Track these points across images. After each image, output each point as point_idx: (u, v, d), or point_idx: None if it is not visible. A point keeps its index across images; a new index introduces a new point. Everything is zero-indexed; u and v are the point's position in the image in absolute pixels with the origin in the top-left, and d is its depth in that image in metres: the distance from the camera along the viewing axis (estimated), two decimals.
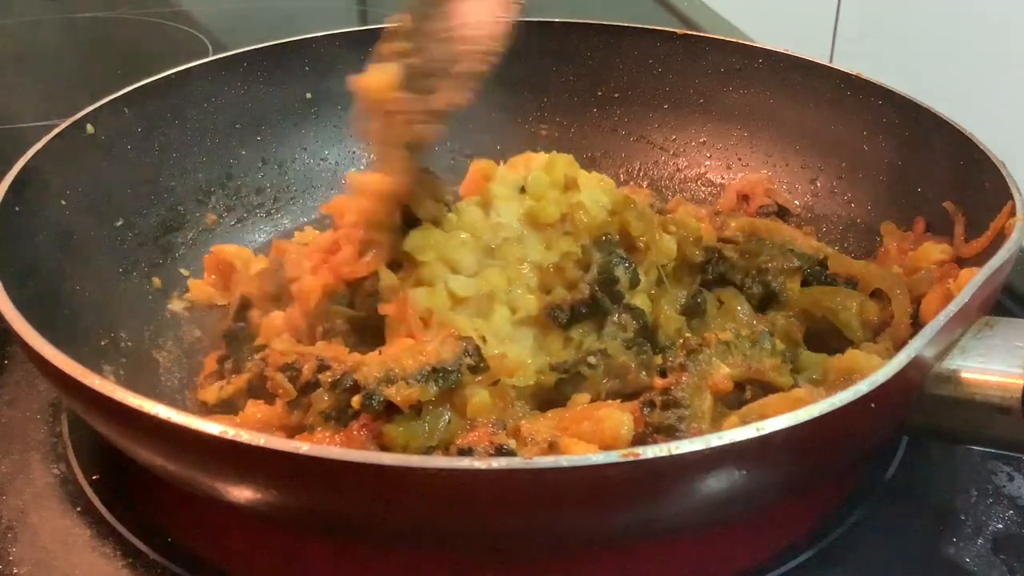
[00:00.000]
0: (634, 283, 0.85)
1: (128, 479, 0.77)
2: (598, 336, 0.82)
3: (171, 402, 0.84)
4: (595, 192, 0.90)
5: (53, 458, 0.79)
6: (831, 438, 0.59)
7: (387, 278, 0.87)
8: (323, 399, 0.74)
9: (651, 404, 0.72)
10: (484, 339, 0.79)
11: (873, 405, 0.58)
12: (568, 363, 0.80)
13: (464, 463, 0.52)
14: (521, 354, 0.80)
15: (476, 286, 0.84)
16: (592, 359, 0.79)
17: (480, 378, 0.75)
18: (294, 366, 0.77)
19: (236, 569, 0.70)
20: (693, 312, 0.88)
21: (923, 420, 0.66)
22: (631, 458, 0.52)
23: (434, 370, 0.72)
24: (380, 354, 0.79)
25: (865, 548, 0.71)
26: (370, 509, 0.57)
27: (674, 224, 0.94)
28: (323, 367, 0.75)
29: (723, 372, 0.75)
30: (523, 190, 0.90)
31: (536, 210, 0.87)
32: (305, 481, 0.56)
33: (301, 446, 0.53)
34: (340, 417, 0.73)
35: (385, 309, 0.85)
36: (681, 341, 0.78)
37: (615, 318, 0.82)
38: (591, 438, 0.71)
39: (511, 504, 0.54)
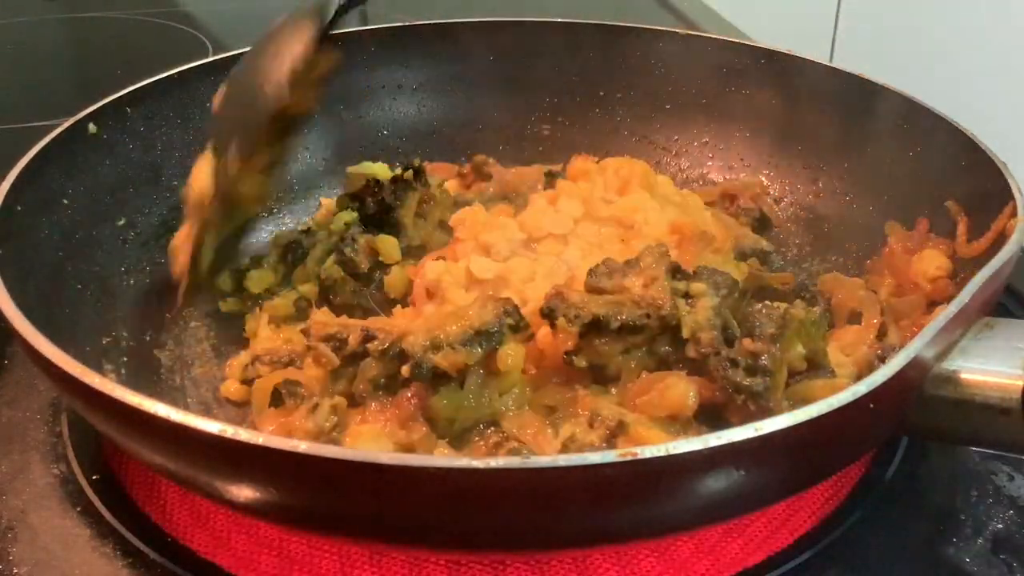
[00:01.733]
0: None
1: (128, 479, 0.77)
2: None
3: (172, 401, 0.85)
4: (666, 205, 0.92)
5: (53, 458, 0.79)
6: (830, 438, 0.59)
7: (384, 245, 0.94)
8: (371, 367, 0.77)
9: (733, 363, 0.73)
10: None
11: (872, 405, 0.57)
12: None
13: (463, 462, 0.52)
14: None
15: (497, 270, 0.85)
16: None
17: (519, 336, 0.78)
18: (338, 336, 0.80)
19: (236, 569, 0.70)
20: None
21: (923, 420, 0.66)
22: (629, 457, 0.52)
23: (477, 333, 0.75)
24: (422, 320, 0.82)
25: (865, 548, 0.71)
26: (369, 508, 0.56)
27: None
28: (369, 337, 0.78)
29: (799, 351, 0.77)
30: None
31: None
32: (304, 480, 0.56)
33: (300, 445, 0.53)
34: (390, 385, 0.77)
35: (455, 221, 0.95)
36: (783, 311, 0.77)
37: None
38: (657, 409, 0.73)
39: (509, 503, 0.54)
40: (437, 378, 0.75)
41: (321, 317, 0.87)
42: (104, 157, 0.95)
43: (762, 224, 1.09)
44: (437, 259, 0.94)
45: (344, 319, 0.86)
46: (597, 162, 1.06)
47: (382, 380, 0.77)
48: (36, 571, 0.69)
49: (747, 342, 0.74)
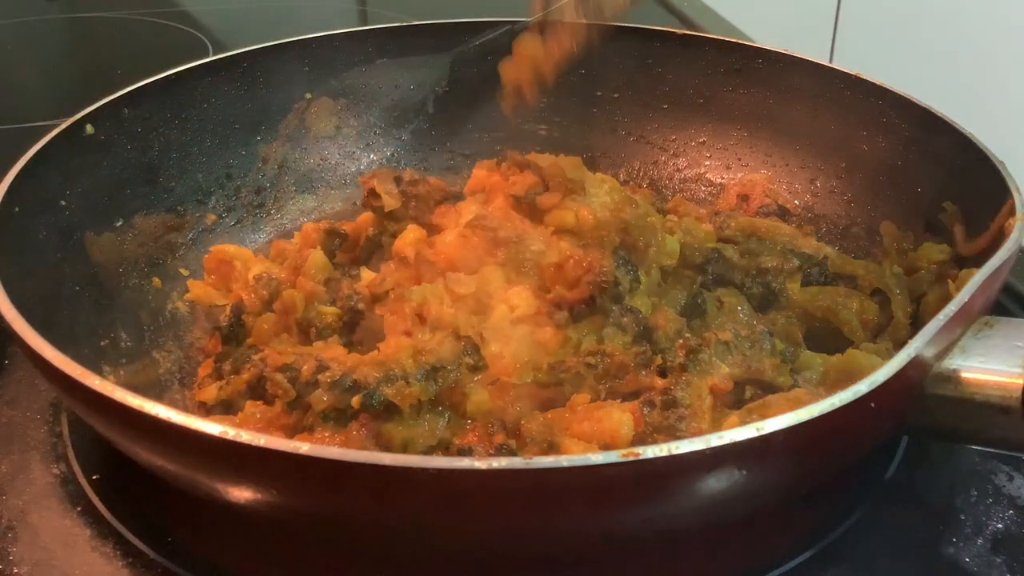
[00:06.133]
0: (634, 285, 0.84)
1: (128, 479, 0.77)
2: (597, 337, 0.82)
3: (171, 402, 0.85)
4: (599, 193, 0.90)
5: (53, 458, 0.79)
6: (831, 438, 0.59)
7: (365, 277, 0.87)
8: (322, 399, 0.74)
9: (651, 404, 0.72)
10: (482, 336, 0.79)
11: (873, 405, 0.58)
12: (567, 364, 0.80)
13: (464, 463, 0.52)
14: (519, 352, 0.80)
15: (475, 284, 0.84)
16: (591, 359, 0.79)
17: (479, 377, 0.75)
18: (293, 367, 0.77)
19: (236, 569, 0.70)
20: (693, 312, 0.87)
21: (923, 420, 0.66)
22: (631, 458, 0.52)
23: (433, 369, 0.72)
24: (379, 353, 0.79)
25: (865, 548, 0.71)
26: (370, 509, 0.56)
27: (678, 225, 0.94)
28: (322, 367, 0.75)
29: (723, 372, 0.75)
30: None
31: (557, 217, 0.88)
32: (305, 481, 0.55)
33: (301, 446, 0.53)
34: (339, 418, 0.73)
35: (382, 310, 0.85)
36: (681, 341, 0.78)
37: (615, 319, 0.82)
38: (591, 438, 0.71)
39: (511, 504, 0.54)
40: (387, 411, 0.72)
41: (279, 346, 0.84)
42: (102, 158, 0.95)
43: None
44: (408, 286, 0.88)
45: (301, 348, 0.82)
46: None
47: (332, 414, 0.73)
48: (36, 571, 0.69)
49: (657, 380, 0.74)
